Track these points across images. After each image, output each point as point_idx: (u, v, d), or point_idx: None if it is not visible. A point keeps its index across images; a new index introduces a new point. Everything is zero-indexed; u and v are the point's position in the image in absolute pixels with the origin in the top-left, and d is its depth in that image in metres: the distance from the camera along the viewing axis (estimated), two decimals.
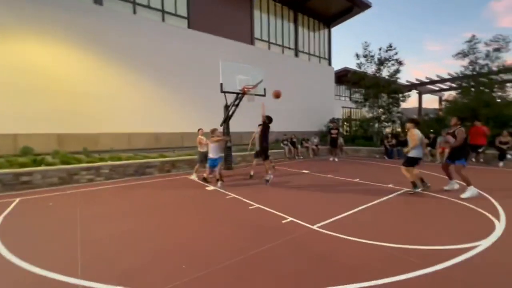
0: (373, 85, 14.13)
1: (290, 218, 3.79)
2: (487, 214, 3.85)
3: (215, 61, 8.57)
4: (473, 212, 3.97)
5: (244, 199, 4.93)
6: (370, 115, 15.33)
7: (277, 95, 6.54)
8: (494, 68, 11.16)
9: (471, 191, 4.75)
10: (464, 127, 5.03)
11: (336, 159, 10.84)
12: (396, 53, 13.76)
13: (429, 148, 10.20)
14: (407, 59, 13.15)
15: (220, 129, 8.36)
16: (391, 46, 13.79)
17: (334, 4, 16.77)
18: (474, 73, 11.61)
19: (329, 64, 19.42)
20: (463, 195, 4.73)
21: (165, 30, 11.18)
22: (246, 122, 10.46)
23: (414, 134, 5.10)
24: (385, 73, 14.16)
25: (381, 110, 14.52)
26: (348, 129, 19.34)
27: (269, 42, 15.51)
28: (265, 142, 6.48)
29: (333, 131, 11.02)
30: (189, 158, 8.89)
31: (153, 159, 8.19)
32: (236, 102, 8.22)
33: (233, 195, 5.24)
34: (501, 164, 8.47)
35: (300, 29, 17.11)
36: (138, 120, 10.41)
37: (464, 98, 12.18)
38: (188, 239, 3.18)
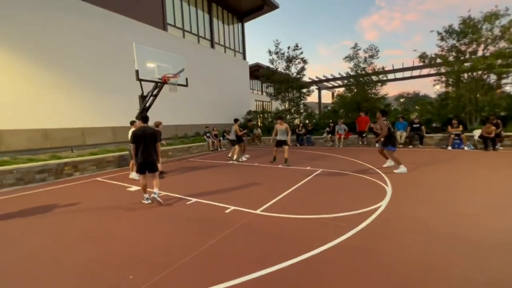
0: (283, 80, 15.63)
1: (232, 207, 3.83)
2: (379, 182, 5.01)
3: (125, 44, 7.45)
4: (369, 182, 5.08)
5: (179, 195, 4.63)
6: (282, 107, 16.97)
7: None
8: (369, 71, 14.28)
9: (402, 168, 5.80)
10: (386, 121, 6.09)
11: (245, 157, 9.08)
12: (301, 53, 15.59)
13: (329, 135, 12.24)
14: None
15: (137, 121, 7.45)
16: (297, 46, 15.49)
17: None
18: (357, 73, 14.50)
19: (244, 58, 20.10)
20: (397, 171, 5.81)
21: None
22: (164, 114, 9.66)
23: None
24: (293, 70, 15.85)
25: (292, 103, 16.26)
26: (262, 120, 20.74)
27: (183, 30, 14.63)
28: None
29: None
30: (95, 158, 7.53)
31: (45, 162, 6.51)
32: (155, 92, 7.44)
33: (164, 193, 4.83)
34: (377, 145, 11.04)
35: (215, 20, 16.88)
36: (15, 114, 7.98)
37: (350, 93, 15.09)
38: (131, 245, 2.75)
